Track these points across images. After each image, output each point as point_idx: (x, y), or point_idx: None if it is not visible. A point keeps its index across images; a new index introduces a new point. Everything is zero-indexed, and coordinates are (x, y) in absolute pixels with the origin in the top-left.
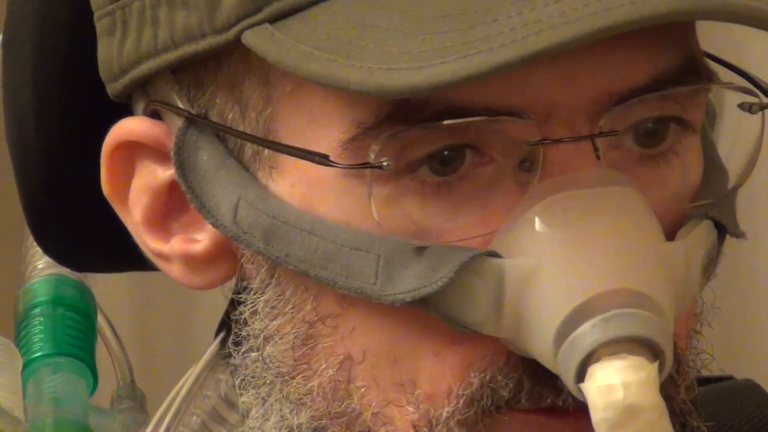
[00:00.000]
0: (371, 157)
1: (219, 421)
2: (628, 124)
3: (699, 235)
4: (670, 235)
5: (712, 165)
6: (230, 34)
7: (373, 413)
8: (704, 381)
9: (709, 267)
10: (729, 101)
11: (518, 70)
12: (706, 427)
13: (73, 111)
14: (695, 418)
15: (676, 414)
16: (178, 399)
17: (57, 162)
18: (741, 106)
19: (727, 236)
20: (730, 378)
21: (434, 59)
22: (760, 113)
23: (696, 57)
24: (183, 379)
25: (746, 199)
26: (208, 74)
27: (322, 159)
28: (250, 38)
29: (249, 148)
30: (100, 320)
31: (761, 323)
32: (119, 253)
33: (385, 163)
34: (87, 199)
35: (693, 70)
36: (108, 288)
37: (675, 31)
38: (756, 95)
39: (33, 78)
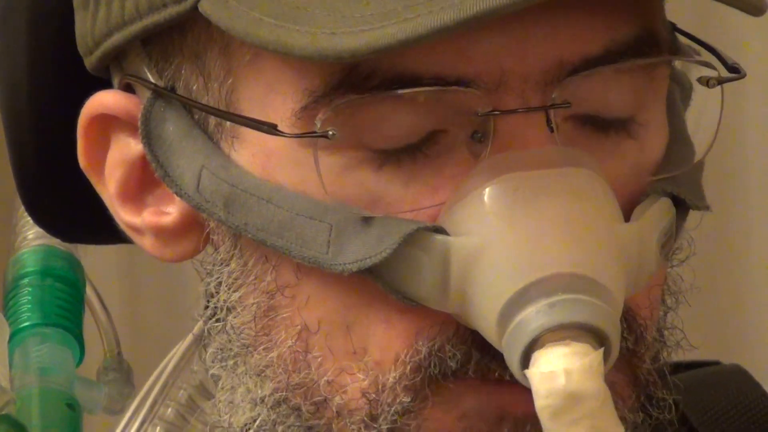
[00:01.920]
0: (317, 126)
1: (206, 396)
2: (581, 96)
3: (655, 214)
4: (628, 209)
5: (679, 139)
6: (189, 2)
7: (327, 381)
8: (691, 365)
9: (667, 244)
10: (696, 75)
11: (462, 35)
12: (672, 399)
13: (66, 82)
14: (660, 389)
15: (640, 384)
16: (165, 373)
17: (49, 132)
18: (699, 80)
19: (731, 227)
20: (716, 363)
21: (375, 23)
22: (718, 88)
23: (656, 30)
24: (170, 353)
25: (739, 184)
26: (174, 46)
27: (270, 129)
28: (206, 6)
29: (212, 119)
30: (89, 292)
31: (750, 309)
32: (109, 225)
33: (330, 132)
34: (78, 170)
35: (651, 42)
36: (97, 260)
37: (633, 2)
38: (716, 69)
39: (27, 48)
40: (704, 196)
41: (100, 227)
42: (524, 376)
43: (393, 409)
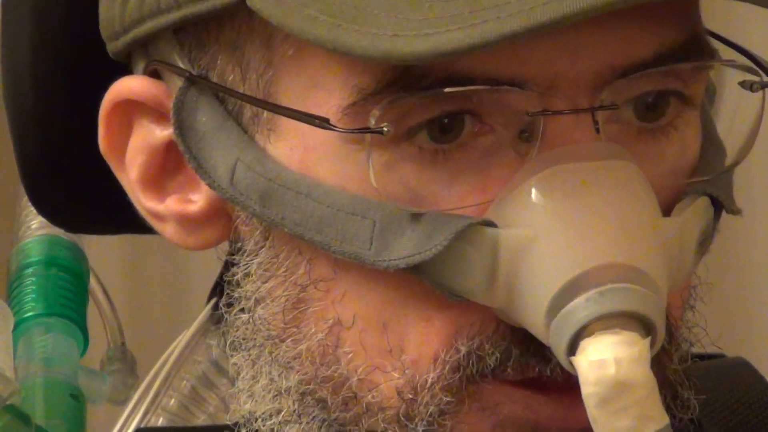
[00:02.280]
0: (372, 122)
1: (208, 386)
2: (628, 97)
3: (695, 211)
4: (666, 211)
5: (710, 142)
6: None
7: (359, 379)
8: (696, 358)
9: (705, 243)
10: (729, 79)
11: (523, 41)
12: (696, 400)
13: (70, 70)
14: (686, 389)
15: (667, 384)
16: (169, 363)
17: (53, 122)
18: (742, 84)
19: (734, 222)
20: (721, 356)
21: (440, 27)
22: (760, 92)
23: (699, 34)
24: (174, 344)
25: (743, 179)
26: (210, 35)
27: (322, 122)
28: (255, 0)
29: (248, 111)
30: (93, 282)
31: (754, 303)
32: (113, 215)
33: (385, 129)
34: (82, 160)
35: (696, 47)
36: (101, 250)
37: (680, 8)
38: (757, 74)
39: (31, 36)
40: (734, 200)
41: (104, 217)
42: (571, 363)
43: (430, 409)
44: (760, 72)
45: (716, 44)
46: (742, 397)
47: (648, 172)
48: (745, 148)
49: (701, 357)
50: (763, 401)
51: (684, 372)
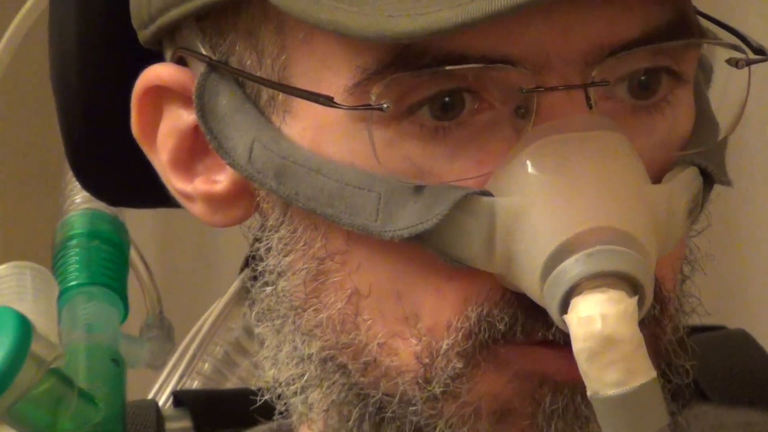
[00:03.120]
0: (372, 100)
1: (240, 352)
2: (620, 75)
3: (683, 180)
4: (656, 180)
5: (704, 117)
6: None
7: (378, 344)
8: (697, 330)
9: (694, 211)
10: (719, 58)
11: (509, 18)
12: (690, 366)
13: (113, 55)
14: (680, 357)
15: (661, 353)
16: (203, 330)
17: (96, 103)
18: (728, 61)
19: (732, 196)
20: (722, 328)
21: (431, 7)
22: (746, 68)
23: (687, 14)
24: (208, 312)
25: (738, 153)
26: (229, 22)
27: (326, 100)
28: None
29: (265, 94)
30: (132, 254)
31: (753, 275)
32: (150, 190)
33: (385, 105)
34: (123, 139)
35: (684, 26)
36: (139, 224)
37: None
38: (744, 52)
39: (77, 22)
40: (727, 172)
41: (142, 192)
42: (563, 321)
43: (446, 373)
44: (746, 50)
45: (709, 24)
46: (742, 367)
47: (639, 144)
48: (734, 122)
49: (703, 329)
50: (764, 371)
51: (678, 341)
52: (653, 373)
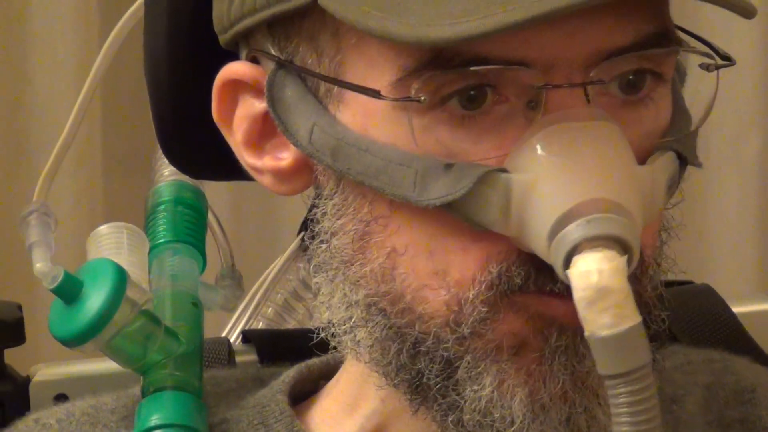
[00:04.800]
0: (412, 93)
1: (297, 299)
2: (613, 75)
3: (664, 162)
4: (641, 163)
5: (680, 111)
6: None
7: (411, 294)
8: (671, 284)
9: (672, 188)
10: (693, 62)
11: (526, 29)
12: (668, 316)
13: (196, 55)
14: (658, 309)
15: (643, 305)
16: (268, 280)
17: (182, 95)
18: (701, 65)
19: (697, 175)
20: (690, 282)
21: (461, 18)
22: (715, 72)
23: (668, 27)
24: (272, 266)
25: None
26: (294, 28)
27: (374, 93)
28: (324, 0)
29: (323, 87)
30: (210, 217)
31: (716, 240)
32: (225, 166)
33: (422, 98)
34: (204, 123)
35: (666, 37)
36: (215, 193)
37: (651, 7)
38: (713, 58)
39: (167, 29)
40: (697, 156)
41: (218, 167)
42: (566, 275)
43: (473, 318)
44: (715, 56)
45: (683, 35)
46: (706, 315)
47: (629, 133)
48: (704, 116)
49: (674, 283)
50: (724, 319)
51: (656, 296)
52: (639, 318)
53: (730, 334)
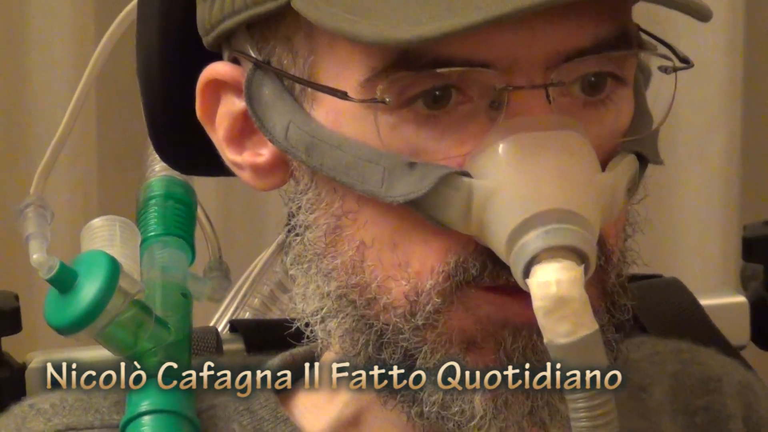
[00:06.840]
0: (377, 94)
1: (283, 290)
2: (575, 77)
3: (624, 167)
4: (604, 161)
5: (642, 112)
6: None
7: (377, 285)
8: (638, 277)
9: (632, 189)
10: (654, 64)
11: (485, 30)
12: (631, 305)
13: (185, 56)
14: (622, 297)
15: (607, 294)
16: (254, 272)
17: (174, 93)
18: (660, 68)
19: (664, 172)
20: (659, 276)
21: (423, 20)
22: (674, 74)
23: (629, 29)
24: (258, 259)
25: (670, 139)
26: (271, 30)
27: (342, 95)
28: (297, 3)
29: (297, 86)
30: (199, 211)
31: (682, 235)
32: (212, 162)
33: (387, 99)
34: (193, 122)
35: (626, 39)
36: (204, 188)
37: (611, 9)
38: (672, 60)
39: (159, 30)
40: (659, 154)
41: (206, 164)
42: (525, 284)
43: (427, 308)
44: (674, 59)
45: (646, 37)
46: (674, 307)
47: (590, 133)
48: (664, 116)
49: (644, 277)
50: (692, 311)
51: (620, 285)
52: (596, 326)
53: (697, 326)
